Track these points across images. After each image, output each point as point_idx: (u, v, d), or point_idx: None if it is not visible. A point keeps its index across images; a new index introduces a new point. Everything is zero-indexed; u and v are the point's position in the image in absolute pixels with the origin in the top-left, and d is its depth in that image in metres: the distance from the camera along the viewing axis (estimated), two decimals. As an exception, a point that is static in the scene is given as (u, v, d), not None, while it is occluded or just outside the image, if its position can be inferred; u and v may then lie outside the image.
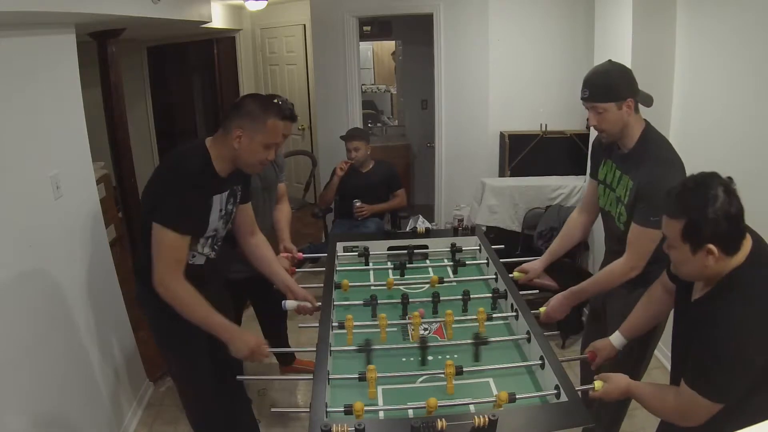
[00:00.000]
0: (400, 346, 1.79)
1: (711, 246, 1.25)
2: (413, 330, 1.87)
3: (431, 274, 2.30)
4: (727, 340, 1.26)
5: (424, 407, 1.42)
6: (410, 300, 1.99)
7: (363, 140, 3.71)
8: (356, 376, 1.60)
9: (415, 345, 1.79)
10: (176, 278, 1.73)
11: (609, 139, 1.91)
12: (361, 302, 2.03)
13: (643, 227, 1.77)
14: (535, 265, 2.24)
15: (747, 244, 1.31)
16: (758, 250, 1.32)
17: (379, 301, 2.00)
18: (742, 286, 1.29)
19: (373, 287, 2.21)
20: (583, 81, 1.85)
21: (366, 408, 1.48)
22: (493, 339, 1.81)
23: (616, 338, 1.74)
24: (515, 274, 2.23)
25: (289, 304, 2.07)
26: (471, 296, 2.01)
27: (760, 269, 1.30)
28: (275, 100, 2.40)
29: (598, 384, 1.55)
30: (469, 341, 1.77)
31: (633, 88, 1.82)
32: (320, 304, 2.09)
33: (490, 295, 2.05)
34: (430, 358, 1.75)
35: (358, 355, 1.74)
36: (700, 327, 1.34)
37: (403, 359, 1.74)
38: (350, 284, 2.14)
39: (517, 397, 1.48)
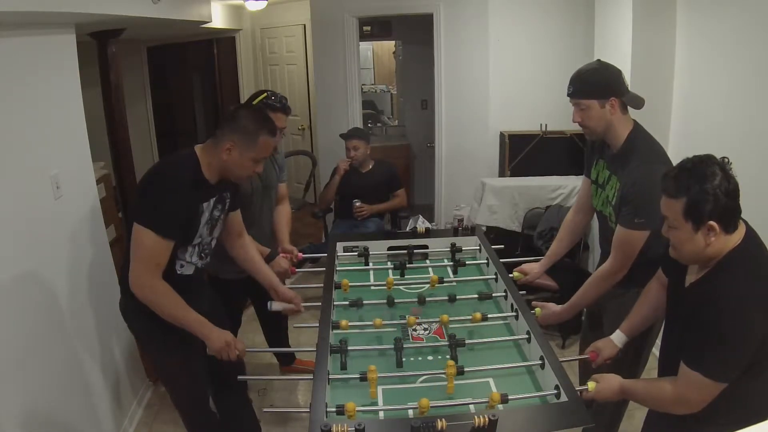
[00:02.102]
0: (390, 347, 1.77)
1: (712, 222, 1.28)
2: (414, 331, 1.87)
3: (431, 274, 2.30)
4: (728, 317, 1.27)
5: (430, 407, 1.41)
6: (406, 300, 2.01)
7: (363, 140, 3.71)
8: (356, 376, 1.60)
9: (414, 345, 1.79)
10: (153, 279, 1.71)
11: (592, 137, 1.93)
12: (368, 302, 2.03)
13: (627, 229, 1.78)
14: (534, 267, 2.25)
15: (741, 228, 1.35)
16: (751, 234, 1.36)
17: (366, 302, 2.02)
18: (740, 265, 1.32)
19: (373, 287, 2.21)
20: (570, 78, 1.87)
21: (366, 408, 1.49)
22: (487, 339, 1.81)
23: (618, 337, 1.75)
24: (515, 274, 2.24)
25: (275, 305, 2.07)
26: (457, 297, 2.03)
27: (755, 249, 1.35)
28: (264, 95, 2.40)
29: (591, 385, 1.55)
30: (447, 343, 1.77)
31: (619, 88, 1.82)
32: (307, 304, 2.10)
33: (477, 296, 2.05)
34: (429, 358, 1.75)
35: (358, 355, 1.75)
36: (697, 309, 1.35)
37: (404, 359, 1.74)
38: (350, 284, 2.14)
39: (514, 397, 1.48)
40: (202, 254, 1.93)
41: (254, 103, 2.37)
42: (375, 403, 1.53)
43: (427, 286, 2.19)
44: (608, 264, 1.88)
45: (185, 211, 1.77)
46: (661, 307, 1.72)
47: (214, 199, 1.87)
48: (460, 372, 1.56)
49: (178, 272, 1.85)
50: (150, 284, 1.71)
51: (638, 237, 1.76)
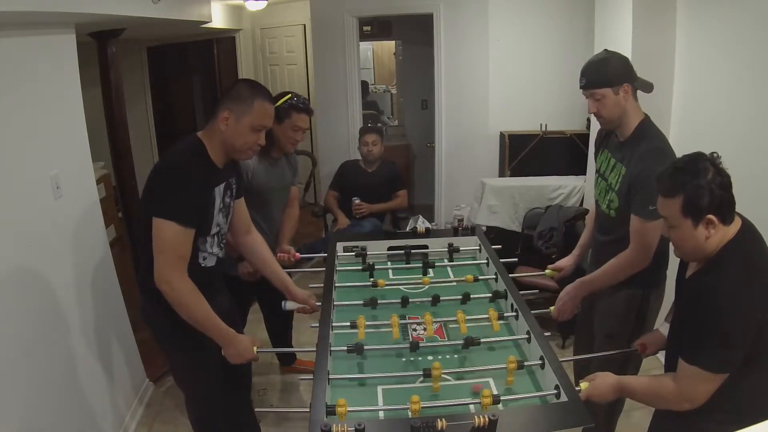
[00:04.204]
0: (400, 346, 1.78)
1: (711, 216, 1.30)
2: (413, 331, 1.87)
3: (431, 274, 2.30)
4: (723, 308, 1.29)
5: (421, 407, 1.41)
6: (410, 300, 2.00)
7: (381, 136, 3.79)
8: (355, 375, 1.60)
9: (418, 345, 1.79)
10: (180, 274, 1.68)
11: (608, 126, 1.94)
12: (361, 302, 2.02)
13: (642, 219, 1.77)
14: (569, 260, 2.26)
15: (737, 221, 1.37)
16: (747, 227, 1.39)
17: (379, 301, 2.00)
18: (734, 257, 1.33)
19: (373, 287, 2.21)
20: (581, 70, 1.88)
21: (366, 408, 1.49)
22: (490, 339, 1.80)
23: (666, 328, 1.72)
24: (548, 272, 2.28)
25: (290, 304, 2.06)
26: (440, 298, 2.02)
27: (750, 241, 1.37)
28: (289, 96, 2.42)
29: (584, 385, 1.54)
30: (458, 342, 1.76)
31: (629, 74, 1.84)
32: (320, 303, 2.09)
33: (486, 295, 2.05)
34: (429, 358, 1.75)
35: (358, 355, 1.75)
36: (693, 302, 1.36)
37: (403, 359, 1.74)
38: (350, 284, 2.14)
39: (511, 397, 1.48)
40: (221, 244, 1.91)
41: (279, 103, 2.38)
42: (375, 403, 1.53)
43: (427, 286, 2.19)
44: (628, 253, 1.85)
45: (201, 197, 1.74)
46: None
47: (223, 185, 1.85)
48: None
49: (202, 264, 1.83)
50: (175, 279, 1.67)
51: (653, 227, 1.74)
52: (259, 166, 2.40)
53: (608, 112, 1.85)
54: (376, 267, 2.32)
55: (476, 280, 2.16)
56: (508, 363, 1.57)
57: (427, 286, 2.19)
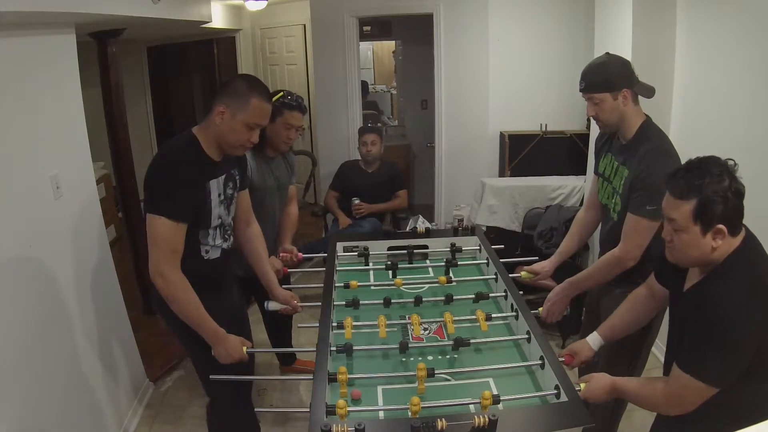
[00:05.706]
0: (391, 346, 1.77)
1: (721, 225, 1.26)
2: (413, 330, 1.87)
3: (431, 274, 2.29)
4: (726, 322, 1.25)
5: (422, 407, 1.41)
6: (405, 300, 2.01)
7: (380, 136, 3.79)
8: (355, 375, 1.60)
9: (414, 345, 1.79)
10: (173, 269, 1.68)
11: (607, 129, 1.93)
12: (369, 302, 2.03)
13: (638, 216, 1.77)
14: (545, 265, 2.22)
15: (741, 231, 1.33)
16: (750, 238, 1.34)
17: (365, 302, 2.01)
18: (738, 269, 1.29)
19: (373, 287, 2.21)
20: (581, 73, 1.88)
21: (366, 408, 1.49)
22: (487, 339, 1.81)
23: (593, 339, 1.72)
24: (523, 274, 2.22)
25: (272, 305, 2.07)
26: (454, 298, 2.03)
27: (754, 253, 1.33)
28: (281, 93, 2.41)
29: (583, 385, 1.53)
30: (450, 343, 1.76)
31: (629, 79, 1.83)
32: (307, 304, 2.09)
33: (473, 296, 2.04)
34: (430, 358, 1.75)
35: (361, 355, 1.75)
36: (694, 312, 1.33)
37: (404, 359, 1.74)
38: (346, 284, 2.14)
39: (511, 397, 1.48)
40: (225, 235, 1.91)
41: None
42: (358, 403, 1.53)
43: (427, 286, 2.19)
44: (617, 251, 1.85)
45: (192, 191, 1.74)
46: (645, 317, 1.70)
47: (223, 177, 1.84)
48: (431, 374, 1.55)
49: (205, 258, 1.83)
50: (168, 273, 1.68)
51: (648, 226, 1.73)
52: (254, 164, 2.40)
53: (606, 116, 1.85)
54: (398, 266, 2.30)
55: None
56: (418, 370, 1.53)
57: (427, 287, 2.19)
